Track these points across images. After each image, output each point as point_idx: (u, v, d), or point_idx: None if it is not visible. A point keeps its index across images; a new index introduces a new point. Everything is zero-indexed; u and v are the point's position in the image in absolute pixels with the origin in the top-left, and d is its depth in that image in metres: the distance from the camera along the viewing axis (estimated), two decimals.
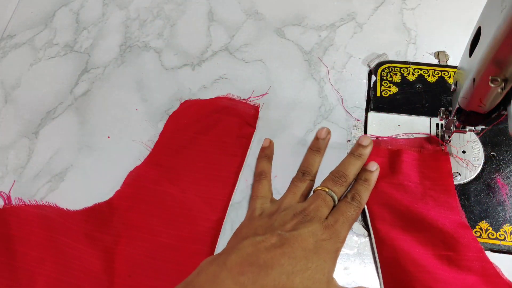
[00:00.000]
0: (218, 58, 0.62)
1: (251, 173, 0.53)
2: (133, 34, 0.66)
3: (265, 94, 0.58)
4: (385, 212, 0.47)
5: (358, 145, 0.48)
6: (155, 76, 0.62)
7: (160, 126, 0.57)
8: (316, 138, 0.50)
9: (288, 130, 0.55)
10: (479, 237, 0.46)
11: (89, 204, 0.52)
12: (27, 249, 0.48)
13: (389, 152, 0.50)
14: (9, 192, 0.53)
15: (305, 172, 0.48)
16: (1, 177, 0.56)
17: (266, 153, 0.53)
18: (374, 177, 0.47)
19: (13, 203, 0.52)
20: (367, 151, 0.48)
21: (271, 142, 0.53)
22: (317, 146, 0.50)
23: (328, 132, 0.50)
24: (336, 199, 0.45)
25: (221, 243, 0.48)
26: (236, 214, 0.50)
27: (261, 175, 0.50)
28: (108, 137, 0.57)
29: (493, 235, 0.46)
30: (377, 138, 0.52)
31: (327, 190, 0.45)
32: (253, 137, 0.54)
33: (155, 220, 0.49)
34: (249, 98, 0.57)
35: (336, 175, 0.46)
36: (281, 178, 0.52)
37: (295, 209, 0.43)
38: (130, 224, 0.49)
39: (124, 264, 0.47)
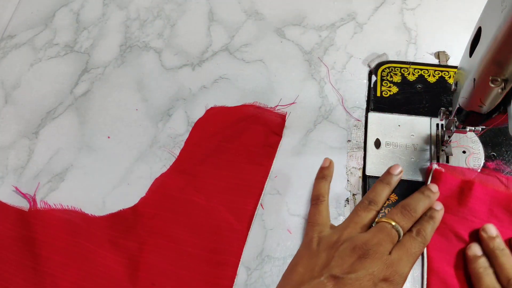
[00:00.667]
0: (218, 58, 0.62)
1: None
2: (133, 34, 0.66)
3: (293, 103, 0.57)
4: (443, 243, 0.45)
5: (428, 188, 0.46)
6: (155, 76, 0.62)
7: (160, 126, 0.57)
8: (388, 173, 0.47)
9: (288, 130, 0.55)
10: None
11: (89, 204, 0.52)
12: (51, 253, 0.48)
13: (460, 182, 0.47)
14: (34, 195, 0.53)
15: (371, 201, 0.45)
16: (1, 177, 0.56)
17: (325, 174, 0.49)
18: (439, 216, 0.44)
19: (39, 206, 0.52)
20: (435, 197, 0.45)
21: (331, 162, 0.50)
22: (388, 180, 0.47)
23: (401, 171, 0.47)
24: (402, 234, 0.42)
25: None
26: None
27: (318, 199, 0.47)
28: (108, 137, 0.57)
29: None
30: (449, 167, 0.49)
31: (393, 223, 0.41)
32: (279, 146, 0.54)
33: (180, 228, 0.49)
34: (276, 106, 0.57)
35: (406, 207, 0.43)
36: (281, 178, 0.52)
37: (355, 242, 0.40)
38: (155, 232, 0.49)
39: (148, 272, 0.46)
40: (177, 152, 0.55)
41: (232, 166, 0.53)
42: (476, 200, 0.46)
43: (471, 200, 0.46)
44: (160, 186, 0.52)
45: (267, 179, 0.52)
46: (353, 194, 0.50)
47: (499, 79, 0.34)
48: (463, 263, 0.44)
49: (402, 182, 0.50)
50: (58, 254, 0.48)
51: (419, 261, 0.45)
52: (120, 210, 0.51)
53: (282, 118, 0.56)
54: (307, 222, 0.47)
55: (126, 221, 0.50)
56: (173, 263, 0.47)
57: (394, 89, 0.57)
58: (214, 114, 0.57)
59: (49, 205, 0.52)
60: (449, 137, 0.49)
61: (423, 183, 0.50)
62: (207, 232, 0.48)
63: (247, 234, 0.48)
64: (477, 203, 0.46)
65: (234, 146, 0.54)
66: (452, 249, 0.45)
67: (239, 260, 0.47)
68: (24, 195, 0.53)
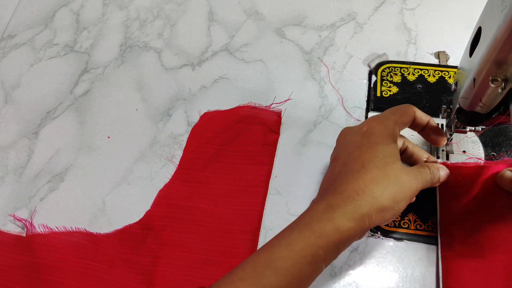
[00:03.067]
0: (218, 58, 0.62)
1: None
2: (133, 34, 0.66)
3: (288, 100, 0.57)
4: (456, 233, 0.45)
5: None
6: (155, 76, 0.62)
7: (160, 126, 0.57)
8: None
9: (288, 130, 0.55)
10: None
11: (89, 204, 0.52)
12: (62, 278, 0.47)
13: (469, 170, 0.46)
14: (31, 219, 0.52)
15: None
16: (1, 177, 0.56)
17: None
18: None
19: (38, 230, 0.51)
20: None
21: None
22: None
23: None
24: None
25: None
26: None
27: None
28: (108, 137, 0.57)
29: None
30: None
31: None
32: (279, 146, 0.54)
33: (191, 237, 0.49)
34: (271, 105, 0.57)
35: None
36: (281, 178, 0.52)
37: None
38: (166, 244, 0.48)
39: (164, 285, 0.46)
40: (176, 161, 0.54)
41: (234, 168, 0.52)
42: (484, 183, 0.45)
43: (478, 185, 0.45)
44: (164, 197, 0.52)
45: (271, 177, 0.52)
46: None
47: (499, 79, 0.34)
48: (477, 252, 0.43)
49: None
50: (69, 279, 0.47)
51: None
52: (126, 225, 0.50)
53: (278, 115, 0.56)
54: None
55: (135, 236, 0.49)
56: (189, 272, 0.47)
57: (394, 89, 0.57)
58: (210, 119, 0.57)
59: (50, 228, 0.51)
60: (451, 135, 0.49)
61: None
62: (219, 238, 0.48)
63: (259, 235, 0.48)
64: (485, 185, 0.45)
65: (234, 149, 0.54)
66: (465, 238, 0.44)
67: None
68: (20, 220, 0.52)
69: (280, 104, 0.57)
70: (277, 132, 0.55)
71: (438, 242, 0.45)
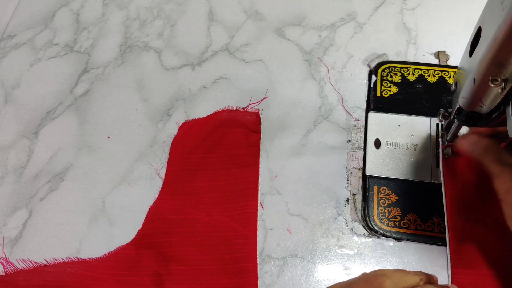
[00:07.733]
0: (218, 58, 0.62)
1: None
2: (133, 34, 0.66)
3: (265, 98, 0.57)
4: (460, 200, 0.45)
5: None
6: (155, 76, 0.62)
7: (160, 126, 0.57)
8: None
9: (288, 130, 0.55)
10: None
11: (89, 204, 0.52)
12: None
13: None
14: (4, 254, 0.50)
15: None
16: (1, 177, 0.56)
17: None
18: None
19: (19, 266, 0.48)
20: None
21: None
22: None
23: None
24: None
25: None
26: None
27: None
28: (108, 137, 0.57)
29: None
30: None
31: None
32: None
33: (190, 249, 0.48)
34: (248, 105, 0.57)
35: None
36: (281, 178, 0.52)
37: None
38: (165, 260, 0.48)
39: None
40: (163, 174, 0.54)
41: (221, 174, 0.52)
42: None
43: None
44: (155, 214, 0.51)
45: (264, 179, 0.52)
46: (353, 194, 0.50)
47: (499, 79, 0.34)
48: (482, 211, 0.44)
49: (402, 182, 0.50)
50: None
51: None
52: (120, 247, 0.49)
53: (256, 115, 0.56)
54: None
55: (130, 257, 0.48)
56: (193, 286, 0.46)
57: (394, 89, 0.57)
58: (189, 129, 0.56)
59: (36, 263, 0.48)
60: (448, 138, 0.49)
61: (423, 183, 0.50)
62: (218, 246, 0.48)
63: (256, 237, 0.48)
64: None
65: (218, 155, 0.54)
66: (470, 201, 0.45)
67: (257, 264, 0.47)
68: None
69: (257, 104, 0.57)
70: (258, 132, 0.55)
71: (447, 241, 0.45)
